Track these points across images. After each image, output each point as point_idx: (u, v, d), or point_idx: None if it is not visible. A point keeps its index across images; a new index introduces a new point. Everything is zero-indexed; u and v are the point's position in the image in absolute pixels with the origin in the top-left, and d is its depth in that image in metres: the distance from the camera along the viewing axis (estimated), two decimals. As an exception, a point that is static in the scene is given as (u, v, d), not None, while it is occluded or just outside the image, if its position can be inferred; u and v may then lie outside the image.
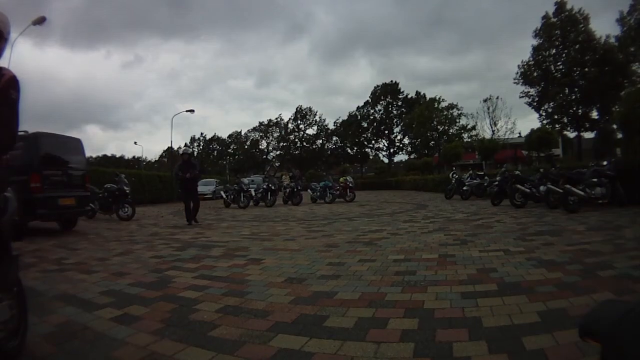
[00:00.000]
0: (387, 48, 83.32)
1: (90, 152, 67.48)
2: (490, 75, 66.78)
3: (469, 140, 38.90)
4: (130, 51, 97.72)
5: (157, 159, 64.84)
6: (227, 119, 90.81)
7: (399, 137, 48.50)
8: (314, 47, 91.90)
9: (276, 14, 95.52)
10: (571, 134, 32.71)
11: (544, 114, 31.46)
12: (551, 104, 30.69)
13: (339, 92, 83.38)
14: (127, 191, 9.63)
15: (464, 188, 13.76)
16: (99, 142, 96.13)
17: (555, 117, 30.79)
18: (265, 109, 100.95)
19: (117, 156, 64.47)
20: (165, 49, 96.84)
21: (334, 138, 52.23)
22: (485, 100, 35.76)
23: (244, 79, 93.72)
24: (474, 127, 38.71)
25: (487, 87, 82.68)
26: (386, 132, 48.50)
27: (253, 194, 14.02)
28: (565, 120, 30.80)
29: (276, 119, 55.19)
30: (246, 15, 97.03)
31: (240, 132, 57.75)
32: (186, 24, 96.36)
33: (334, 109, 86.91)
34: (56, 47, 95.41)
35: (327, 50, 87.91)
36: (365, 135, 49.13)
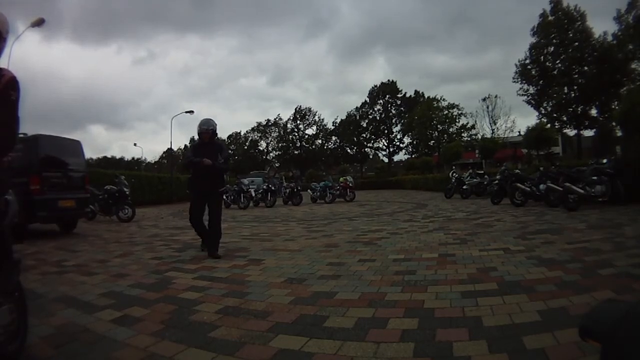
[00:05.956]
0: (406, 46, 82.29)
1: (93, 153, 67.24)
2: (504, 74, 66.50)
3: (469, 139, 38.93)
4: (143, 46, 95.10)
5: (157, 160, 65.02)
6: (235, 118, 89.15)
7: (398, 137, 48.54)
8: (333, 44, 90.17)
9: (301, 9, 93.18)
10: (571, 132, 32.73)
11: (543, 112, 31.46)
12: (550, 102, 30.68)
13: (352, 91, 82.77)
14: (127, 193, 9.61)
15: (464, 187, 13.77)
16: (102, 142, 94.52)
17: (554, 115, 30.78)
18: (274, 107, 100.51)
19: (118, 157, 64.67)
20: (180, 44, 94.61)
21: (333, 138, 52.20)
22: (484, 99, 35.73)
23: (256, 77, 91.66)
24: (473, 127, 38.78)
25: (499, 85, 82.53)
26: (385, 131, 48.50)
27: (253, 194, 14.02)
28: (565, 119, 30.79)
29: (275, 118, 55.12)
30: (271, 9, 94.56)
31: (240, 132, 57.73)
32: (206, 18, 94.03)
33: (345, 107, 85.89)
34: (66, 42, 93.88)
35: (346, 47, 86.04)
36: (364, 135, 49.13)
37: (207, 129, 4.66)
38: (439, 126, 41.46)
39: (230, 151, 57.08)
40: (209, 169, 4.44)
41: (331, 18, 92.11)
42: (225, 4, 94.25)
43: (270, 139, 55.50)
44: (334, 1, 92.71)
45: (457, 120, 41.75)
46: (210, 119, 4.75)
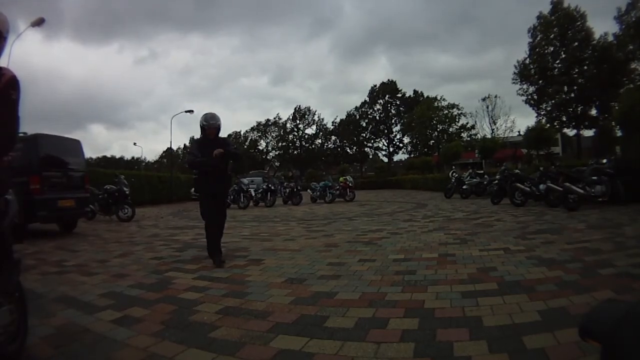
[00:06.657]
0: (408, 46, 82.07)
1: (93, 152, 67.10)
2: (504, 74, 65.43)
3: (469, 139, 38.94)
4: (145, 46, 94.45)
5: (156, 159, 65.02)
6: (235, 118, 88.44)
7: (398, 137, 48.54)
8: (335, 43, 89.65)
9: (304, 8, 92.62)
10: (571, 132, 32.74)
11: (543, 112, 31.48)
12: (550, 102, 30.68)
13: (354, 90, 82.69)
14: (127, 192, 9.62)
15: (464, 187, 13.77)
16: (103, 141, 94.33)
17: (554, 115, 30.78)
18: (275, 107, 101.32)
19: (118, 157, 64.71)
20: (181, 44, 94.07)
21: (333, 137, 52.15)
22: (484, 99, 35.72)
23: (257, 76, 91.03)
24: (473, 127, 38.80)
25: (499, 85, 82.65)
26: (385, 131, 48.49)
27: (253, 194, 14.01)
28: (564, 119, 30.79)
29: (274, 118, 55.03)
30: (273, 8, 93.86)
31: (240, 132, 57.65)
32: (208, 17, 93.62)
33: (347, 107, 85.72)
34: (67, 42, 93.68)
35: (348, 46, 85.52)
36: (364, 135, 49.13)
37: (214, 123, 4.21)
38: (438, 126, 41.46)
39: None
40: (215, 171, 4.08)
41: (334, 17, 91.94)
42: (227, 3, 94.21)
43: (269, 138, 55.43)
44: (336, 0, 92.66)
45: (457, 120, 41.79)
46: (215, 114, 4.33)
